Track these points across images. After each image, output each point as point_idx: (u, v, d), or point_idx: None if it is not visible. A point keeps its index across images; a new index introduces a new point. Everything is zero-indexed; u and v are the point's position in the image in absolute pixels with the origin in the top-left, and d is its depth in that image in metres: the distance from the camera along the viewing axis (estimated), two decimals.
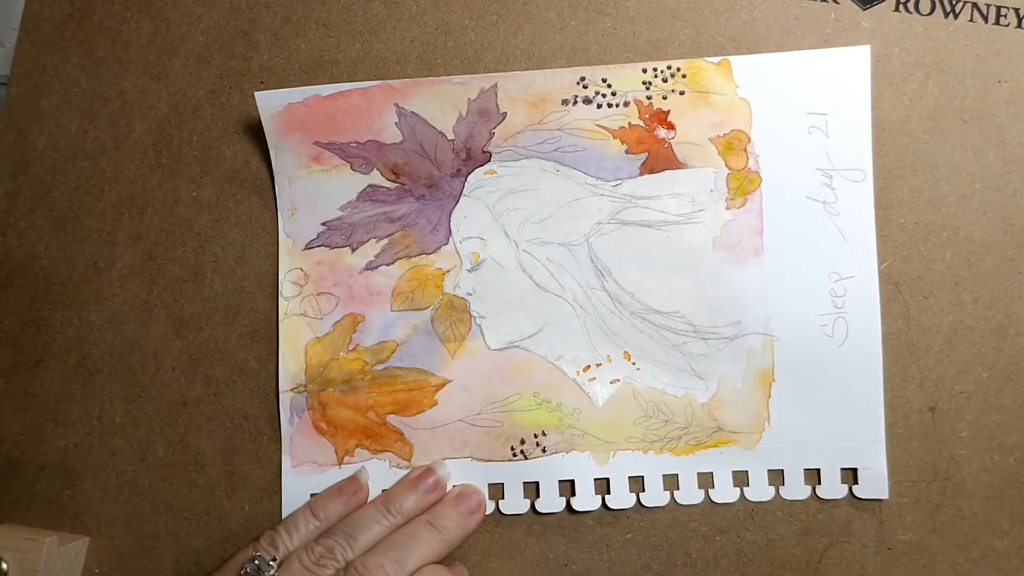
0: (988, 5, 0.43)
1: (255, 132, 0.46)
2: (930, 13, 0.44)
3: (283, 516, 0.43)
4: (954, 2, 0.44)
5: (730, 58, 0.43)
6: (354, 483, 0.42)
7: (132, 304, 0.46)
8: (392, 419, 0.44)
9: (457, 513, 0.41)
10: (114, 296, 0.46)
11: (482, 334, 0.44)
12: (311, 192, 0.45)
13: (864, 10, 0.44)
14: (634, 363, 0.43)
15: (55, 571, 0.42)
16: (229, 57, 0.47)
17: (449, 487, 0.43)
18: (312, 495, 0.43)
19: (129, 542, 0.44)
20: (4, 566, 0.41)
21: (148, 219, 0.46)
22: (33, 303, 0.46)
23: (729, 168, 0.43)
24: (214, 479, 0.44)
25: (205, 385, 0.45)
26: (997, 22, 0.43)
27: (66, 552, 0.43)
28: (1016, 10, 0.43)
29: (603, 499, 0.42)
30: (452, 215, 0.44)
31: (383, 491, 0.42)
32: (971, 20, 0.43)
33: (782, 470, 0.42)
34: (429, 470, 0.42)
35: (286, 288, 0.45)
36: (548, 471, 0.43)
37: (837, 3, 0.44)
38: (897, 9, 0.44)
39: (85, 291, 0.46)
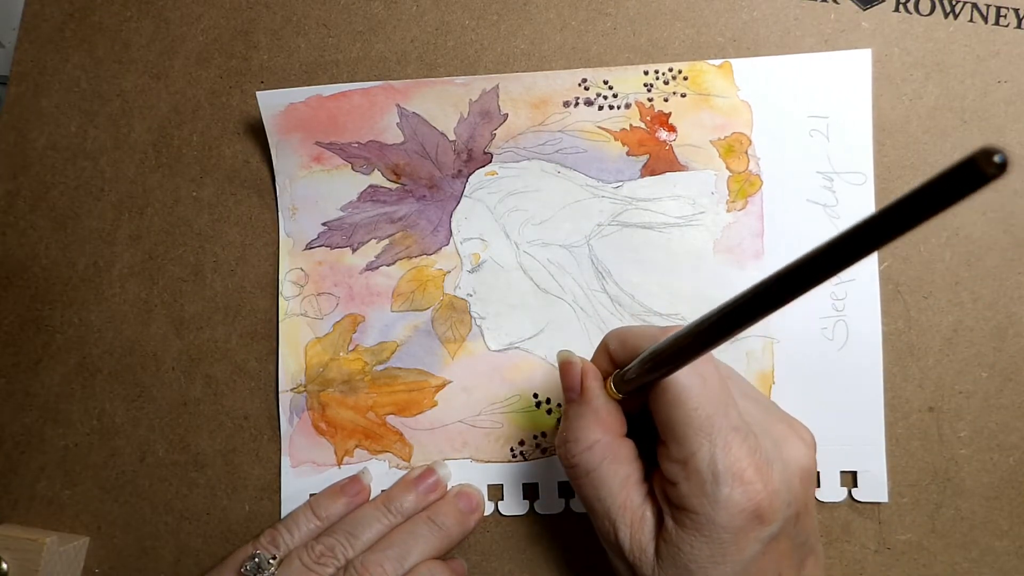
0: (988, 5, 0.43)
1: (255, 132, 0.46)
2: (930, 13, 0.44)
3: (282, 516, 0.43)
4: (954, 2, 0.43)
5: (731, 61, 0.43)
6: (356, 483, 0.43)
7: (132, 304, 0.46)
8: (392, 420, 0.44)
9: (457, 510, 0.41)
10: (114, 296, 0.46)
11: (482, 335, 0.44)
12: (312, 192, 0.45)
13: (864, 10, 0.44)
14: None
15: (55, 571, 0.42)
16: (229, 57, 0.47)
17: (449, 487, 0.43)
18: (311, 495, 0.43)
19: (129, 542, 0.44)
20: (4, 566, 0.41)
21: (148, 219, 0.46)
22: (33, 303, 0.46)
23: (730, 171, 0.43)
24: (214, 479, 0.44)
25: (205, 385, 0.45)
26: (997, 22, 0.43)
27: (66, 552, 0.43)
28: (1016, 10, 0.43)
29: None
30: (453, 216, 0.44)
31: (383, 491, 0.43)
32: (971, 20, 0.43)
33: None
34: (429, 470, 0.42)
35: (286, 288, 0.45)
36: (547, 472, 0.43)
37: (837, 3, 0.44)
38: (897, 9, 0.44)
39: (85, 291, 0.46)
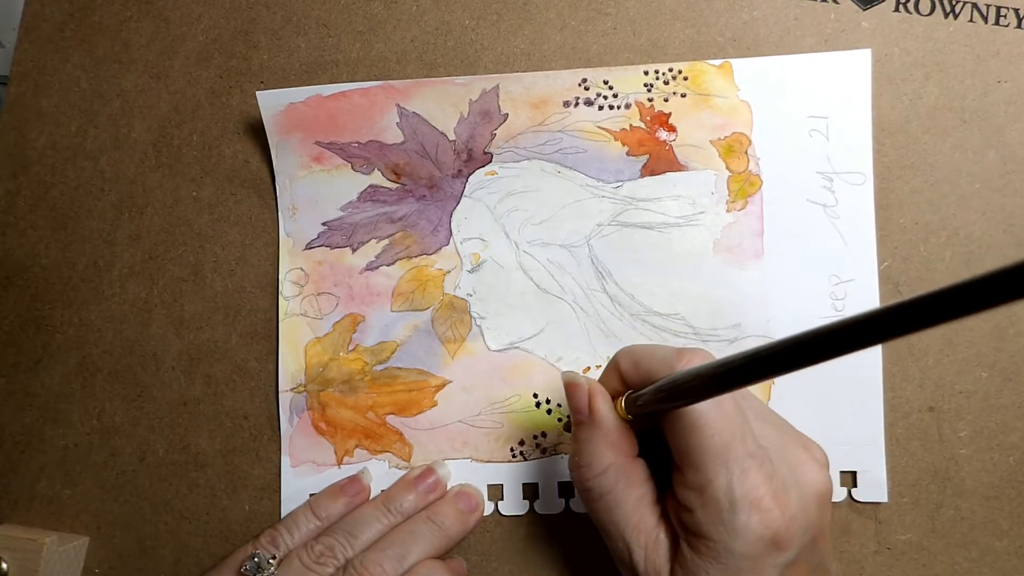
0: (988, 5, 0.43)
1: (255, 132, 0.46)
2: (930, 13, 0.44)
3: (282, 516, 0.43)
4: (954, 2, 0.43)
5: (731, 61, 0.43)
6: (356, 483, 0.43)
7: (132, 304, 0.46)
8: (392, 419, 0.44)
9: (456, 510, 0.41)
10: (114, 296, 0.46)
11: (482, 335, 0.44)
12: (312, 192, 0.45)
13: (864, 10, 0.44)
14: None
15: (55, 571, 0.42)
16: (229, 57, 0.47)
17: (449, 487, 0.43)
18: (311, 495, 0.43)
19: (129, 542, 0.44)
20: (4, 566, 0.41)
21: (148, 219, 0.46)
22: (33, 303, 0.46)
23: (730, 171, 0.43)
24: (214, 479, 0.44)
25: (205, 385, 0.45)
26: (997, 22, 0.43)
27: (66, 552, 0.43)
28: (1016, 10, 0.43)
29: None
30: (453, 216, 0.44)
31: (383, 491, 0.43)
32: (971, 20, 0.43)
33: None
34: (429, 469, 0.42)
35: (286, 288, 0.45)
36: (547, 472, 0.43)
37: (837, 3, 0.44)
38: (897, 9, 0.44)
39: (85, 291, 0.46)
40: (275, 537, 0.40)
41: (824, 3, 0.44)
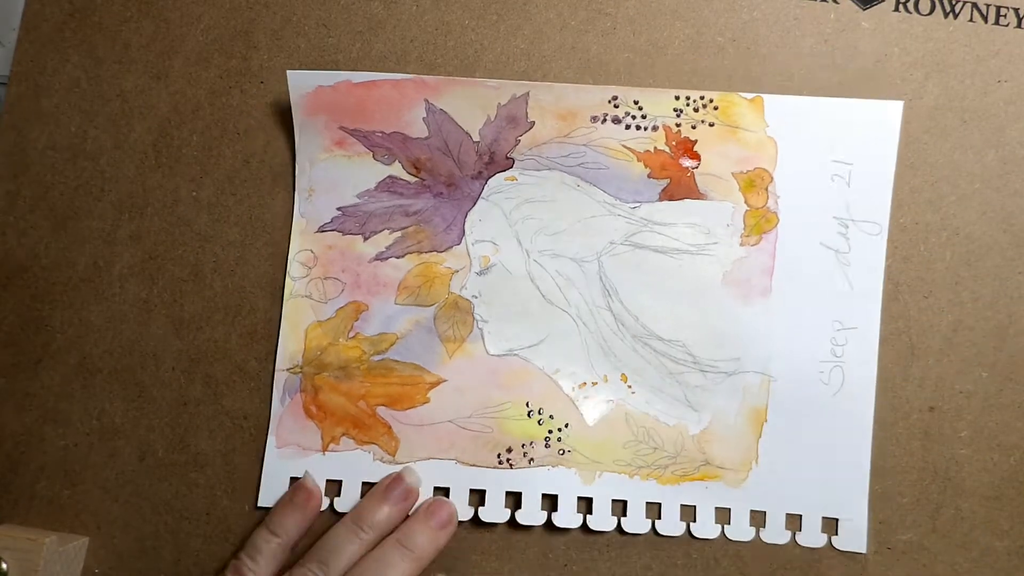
0: (988, 5, 0.43)
1: (255, 131, 0.46)
2: (930, 13, 0.44)
3: (260, 497, 0.43)
4: (954, 2, 0.44)
5: (763, 96, 0.43)
6: (303, 491, 0.42)
7: (132, 304, 0.46)
8: (382, 411, 0.44)
9: (428, 528, 0.41)
10: (114, 296, 0.46)
11: (483, 338, 0.44)
12: (330, 176, 0.45)
13: (864, 10, 0.44)
14: (630, 386, 0.43)
15: (55, 571, 0.42)
16: (229, 57, 0.47)
17: (421, 492, 0.42)
18: (292, 479, 0.43)
19: (129, 542, 0.44)
20: (4, 566, 0.41)
21: (148, 219, 0.46)
22: (33, 303, 0.46)
23: (748, 205, 0.43)
24: (214, 479, 0.44)
25: (205, 385, 0.45)
26: (997, 22, 0.43)
27: (66, 552, 0.43)
28: (1016, 10, 0.43)
29: (584, 519, 0.42)
30: (468, 216, 0.44)
31: (352, 509, 0.42)
32: (971, 20, 0.44)
33: (764, 512, 0.42)
34: (398, 478, 0.42)
35: (294, 268, 0.45)
36: (532, 483, 0.42)
37: (837, 3, 0.44)
38: (897, 9, 0.44)
39: (85, 291, 0.46)
40: (240, 568, 0.40)
41: (824, 3, 0.44)
